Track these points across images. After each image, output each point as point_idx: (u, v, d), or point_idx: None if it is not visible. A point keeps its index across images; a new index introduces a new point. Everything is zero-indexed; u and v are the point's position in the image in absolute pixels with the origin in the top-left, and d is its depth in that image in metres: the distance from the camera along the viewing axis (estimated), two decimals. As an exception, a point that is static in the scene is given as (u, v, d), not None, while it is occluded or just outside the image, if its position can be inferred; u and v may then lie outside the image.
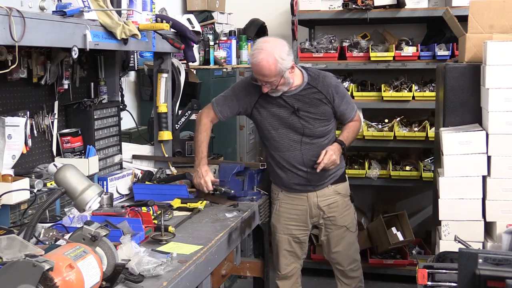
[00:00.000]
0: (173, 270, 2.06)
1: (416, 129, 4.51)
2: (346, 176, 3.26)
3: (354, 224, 3.25)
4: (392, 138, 4.46)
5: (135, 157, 3.41)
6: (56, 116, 2.88)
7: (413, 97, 4.42)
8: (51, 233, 2.23)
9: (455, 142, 2.78)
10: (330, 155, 2.92)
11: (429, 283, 1.98)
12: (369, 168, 4.58)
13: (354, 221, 3.25)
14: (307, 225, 3.20)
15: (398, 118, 4.59)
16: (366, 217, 4.86)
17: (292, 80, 2.95)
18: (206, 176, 2.98)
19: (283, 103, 3.00)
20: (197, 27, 3.64)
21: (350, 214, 3.22)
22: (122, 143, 3.35)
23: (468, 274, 1.70)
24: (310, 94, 3.01)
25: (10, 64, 2.18)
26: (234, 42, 4.61)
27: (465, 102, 2.98)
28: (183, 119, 3.56)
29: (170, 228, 2.42)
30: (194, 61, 3.54)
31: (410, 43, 4.52)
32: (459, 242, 2.37)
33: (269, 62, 2.81)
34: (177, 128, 3.54)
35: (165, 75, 3.36)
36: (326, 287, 4.38)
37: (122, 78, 3.64)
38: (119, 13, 2.67)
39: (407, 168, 4.55)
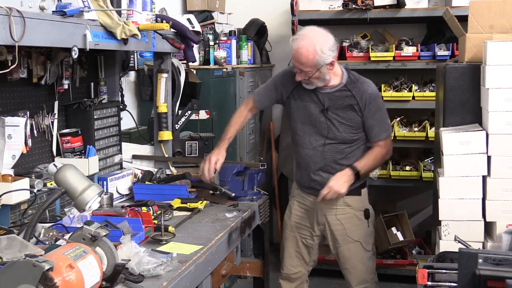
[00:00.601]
0: (173, 270, 2.06)
1: (416, 129, 4.51)
2: (364, 191, 3.09)
3: (368, 242, 3.06)
4: (392, 138, 4.45)
5: (135, 157, 3.40)
6: (56, 116, 2.88)
7: (413, 97, 4.42)
8: (51, 233, 2.23)
9: (455, 142, 2.78)
10: (335, 191, 2.82)
11: (429, 283, 1.98)
12: (369, 168, 4.58)
13: (368, 239, 3.06)
14: (314, 230, 3.10)
15: (398, 118, 4.60)
16: (366, 217, 4.86)
17: (329, 77, 2.86)
18: (212, 164, 2.91)
19: (315, 99, 2.93)
20: (197, 27, 3.64)
21: (361, 229, 3.04)
22: (122, 143, 3.35)
23: (468, 274, 1.70)
24: (344, 97, 2.91)
25: (10, 64, 2.18)
26: (234, 42, 4.61)
27: (465, 102, 2.98)
28: (183, 119, 3.56)
29: (170, 228, 2.42)
30: (194, 61, 3.54)
31: (410, 43, 4.52)
32: (459, 242, 2.37)
33: (309, 51, 2.75)
34: (177, 128, 3.54)
35: (165, 75, 3.36)
36: (326, 287, 4.38)
37: (122, 78, 3.64)
38: (119, 13, 2.67)
39: (407, 168, 4.56)
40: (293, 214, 3.15)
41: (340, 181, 2.84)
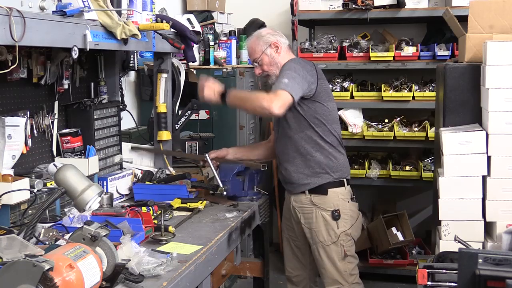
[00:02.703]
0: (173, 270, 2.06)
1: (416, 129, 4.51)
2: (333, 191, 2.96)
3: (339, 244, 2.95)
4: (392, 138, 4.46)
5: (134, 148, 3.39)
6: (56, 116, 2.88)
7: (413, 97, 4.42)
8: (51, 233, 2.23)
9: (455, 142, 2.78)
10: (201, 83, 2.87)
11: (429, 283, 1.98)
12: (369, 168, 4.58)
13: (340, 241, 2.94)
14: (295, 230, 3.13)
15: (398, 118, 4.59)
16: (366, 217, 4.86)
17: (279, 61, 2.97)
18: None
19: None
20: (197, 27, 3.64)
21: (329, 231, 2.95)
22: (122, 143, 3.35)
23: (468, 274, 1.70)
24: None
25: (10, 64, 2.18)
26: (234, 42, 4.61)
27: (465, 102, 2.98)
28: (183, 119, 3.56)
29: (170, 228, 2.42)
30: (194, 61, 3.54)
31: (410, 43, 4.52)
32: (459, 242, 2.37)
33: (250, 41, 3.06)
34: (177, 128, 3.54)
35: (165, 75, 3.36)
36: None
37: (122, 78, 3.64)
38: (119, 13, 2.67)
39: (407, 168, 4.55)
40: (283, 217, 3.25)
41: (208, 83, 2.87)
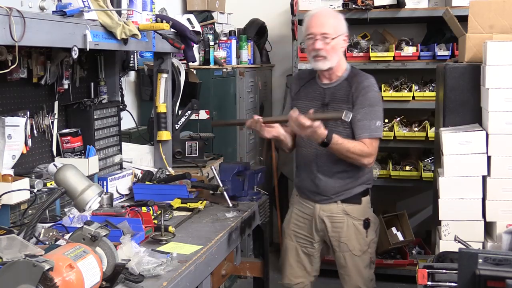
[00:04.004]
0: (173, 270, 2.06)
1: (416, 129, 4.51)
2: (366, 199, 2.94)
3: (366, 251, 2.92)
4: (392, 138, 4.46)
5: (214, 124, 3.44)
6: (56, 116, 2.88)
7: (413, 97, 4.42)
8: (51, 233, 2.23)
9: (455, 142, 2.78)
10: (299, 122, 2.57)
11: (429, 283, 1.98)
12: (369, 168, 4.58)
13: (367, 249, 2.92)
14: (313, 238, 2.99)
15: (398, 118, 4.60)
16: (366, 217, 4.86)
17: (339, 60, 2.81)
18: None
19: (318, 95, 2.88)
20: (197, 27, 3.64)
21: (359, 239, 2.90)
22: (122, 143, 3.35)
23: (468, 274, 1.70)
24: (342, 89, 2.84)
25: (10, 64, 2.18)
26: (234, 42, 4.61)
27: (465, 102, 2.98)
28: (183, 119, 3.57)
29: (170, 228, 2.42)
30: (194, 61, 3.54)
31: (410, 43, 4.52)
32: (459, 242, 2.37)
33: (330, 14, 2.82)
34: (177, 128, 3.54)
35: (165, 75, 3.36)
36: (325, 287, 4.38)
37: (122, 78, 3.64)
38: (119, 13, 2.67)
39: (407, 168, 4.56)
40: (292, 223, 3.05)
41: (311, 126, 2.58)
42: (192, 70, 3.99)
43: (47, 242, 2.16)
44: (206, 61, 4.34)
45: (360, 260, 2.93)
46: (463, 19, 3.16)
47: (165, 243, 2.34)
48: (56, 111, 2.90)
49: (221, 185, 2.99)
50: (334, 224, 2.91)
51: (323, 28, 2.75)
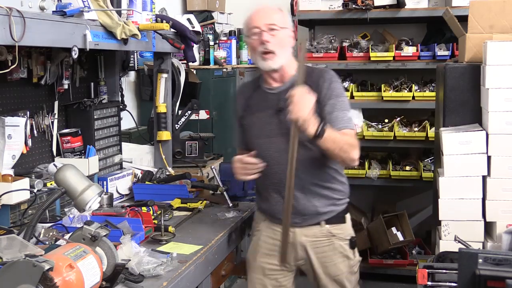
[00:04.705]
0: (173, 270, 2.05)
1: (416, 129, 4.52)
2: (348, 217, 2.54)
3: (353, 272, 2.51)
4: (392, 138, 4.46)
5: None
6: (56, 116, 2.88)
7: (413, 97, 4.43)
8: (51, 233, 2.23)
9: (455, 142, 2.78)
10: (297, 104, 2.15)
11: (429, 283, 1.98)
12: (369, 168, 4.58)
13: (354, 270, 2.51)
14: (289, 268, 2.51)
15: (398, 118, 4.60)
16: (366, 217, 4.86)
17: (289, 56, 2.40)
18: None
19: (267, 104, 2.43)
20: (197, 27, 3.64)
21: (346, 263, 2.48)
22: (122, 143, 3.35)
23: (468, 274, 1.70)
24: None
25: (10, 64, 2.18)
26: (234, 42, 4.61)
27: (465, 102, 2.98)
28: (183, 119, 3.57)
29: (170, 228, 2.42)
30: (194, 61, 3.54)
31: (410, 43, 4.52)
32: (459, 242, 2.37)
33: (274, 7, 2.44)
34: (177, 128, 3.54)
35: (165, 75, 3.36)
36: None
37: (122, 78, 3.64)
38: (119, 13, 2.67)
39: (407, 168, 4.56)
40: (260, 254, 2.53)
41: (307, 103, 2.17)
42: (192, 70, 3.99)
43: (47, 242, 2.16)
44: (206, 61, 4.34)
45: (348, 282, 2.51)
46: (463, 19, 3.16)
47: (165, 243, 2.34)
48: (56, 111, 2.90)
49: (221, 185, 2.99)
50: (319, 250, 2.46)
51: (269, 19, 2.38)
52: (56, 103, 2.91)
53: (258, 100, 2.48)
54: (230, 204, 2.96)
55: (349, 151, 2.29)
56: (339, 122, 2.33)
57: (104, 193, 2.77)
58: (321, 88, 2.35)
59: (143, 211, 2.60)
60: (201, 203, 2.90)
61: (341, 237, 2.49)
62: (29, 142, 2.65)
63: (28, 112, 2.64)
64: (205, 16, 4.62)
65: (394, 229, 4.47)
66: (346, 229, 2.52)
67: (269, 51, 2.36)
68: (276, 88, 2.45)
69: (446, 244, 2.74)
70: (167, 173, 3.28)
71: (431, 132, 4.34)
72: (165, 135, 3.39)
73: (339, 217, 2.49)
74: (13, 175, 2.45)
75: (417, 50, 4.41)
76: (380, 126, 4.57)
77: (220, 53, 4.50)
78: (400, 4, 4.35)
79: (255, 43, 2.40)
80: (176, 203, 2.87)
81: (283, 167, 2.30)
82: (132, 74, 4.18)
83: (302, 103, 2.16)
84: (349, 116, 2.39)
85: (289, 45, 2.42)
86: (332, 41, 4.69)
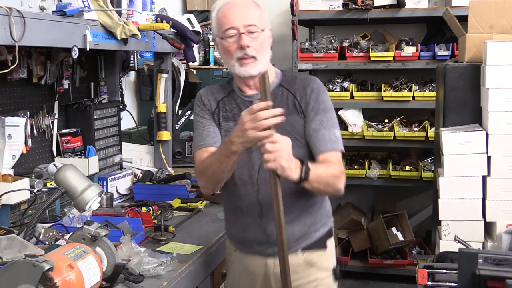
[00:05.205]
0: (173, 270, 2.06)
1: (416, 129, 4.52)
2: (331, 242, 2.18)
3: None
4: (392, 138, 4.46)
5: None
6: (56, 116, 2.88)
7: (413, 97, 4.43)
8: (51, 233, 2.23)
9: (455, 142, 2.78)
10: (275, 142, 1.79)
11: (429, 283, 1.98)
12: (369, 168, 4.58)
13: None
14: None
15: (398, 118, 4.60)
16: (366, 217, 4.86)
17: (268, 55, 2.07)
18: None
19: (240, 113, 1.92)
20: (197, 27, 3.64)
21: None
22: (122, 143, 3.35)
23: (468, 274, 1.70)
24: (280, 96, 2.08)
25: (10, 64, 2.18)
26: (234, 42, 4.60)
27: (465, 102, 2.98)
28: (183, 119, 3.57)
29: (170, 228, 2.43)
30: (194, 61, 3.54)
31: (410, 43, 4.52)
32: (459, 242, 2.37)
33: (251, 3, 2.08)
34: (177, 128, 3.54)
35: (165, 75, 3.36)
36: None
37: (122, 78, 3.64)
38: (119, 13, 2.67)
39: (407, 168, 4.56)
40: (229, 284, 2.25)
41: (284, 148, 1.81)
42: (192, 70, 3.99)
43: (47, 242, 2.16)
44: (206, 61, 4.33)
45: None
46: (463, 19, 3.16)
47: (165, 243, 2.34)
48: (56, 111, 2.90)
49: None
50: (296, 283, 2.07)
51: (247, 18, 2.03)
52: (56, 103, 2.91)
53: (232, 107, 2.13)
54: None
55: (335, 184, 2.00)
56: (325, 142, 2.03)
57: (104, 193, 2.76)
58: (308, 98, 2.06)
59: (143, 211, 2.60)
60: (201, 203, 2.90)
61: (322, 267, 2.13)
62: (29, 142, 2.65)
63: (28, 112, 2.64)
64: (205, 16, 4.63)
65: (394, 229, 4.47)
66: (328, 257, 2.17)
67: (250, 56, 2.02)
68: (252, 96, 2.09)
69: (446, 244, 2.75)
70: (167, 173, 3.27)
71: (431, 132, 4.34)
72: (165, 135, 3.39)
73: (320, 243, 2.14)
74: (13, 175, 2.45)
75: (417, 50, 4.41)
76: (380, 126, 4.57)
77: (220, 53, 4.50)
78: (400, 4, 4.35)
79: (232, 47, 2.03)
80: (176, 203, 2.87)
81: (261, 187, 2.03)
82: (132, 74, 4.18)
83: (279, 150, 1.80)
84: (337, 135, 2.07)
85: (268, 47, 2.10)
86: (332, 41, 4.69)
